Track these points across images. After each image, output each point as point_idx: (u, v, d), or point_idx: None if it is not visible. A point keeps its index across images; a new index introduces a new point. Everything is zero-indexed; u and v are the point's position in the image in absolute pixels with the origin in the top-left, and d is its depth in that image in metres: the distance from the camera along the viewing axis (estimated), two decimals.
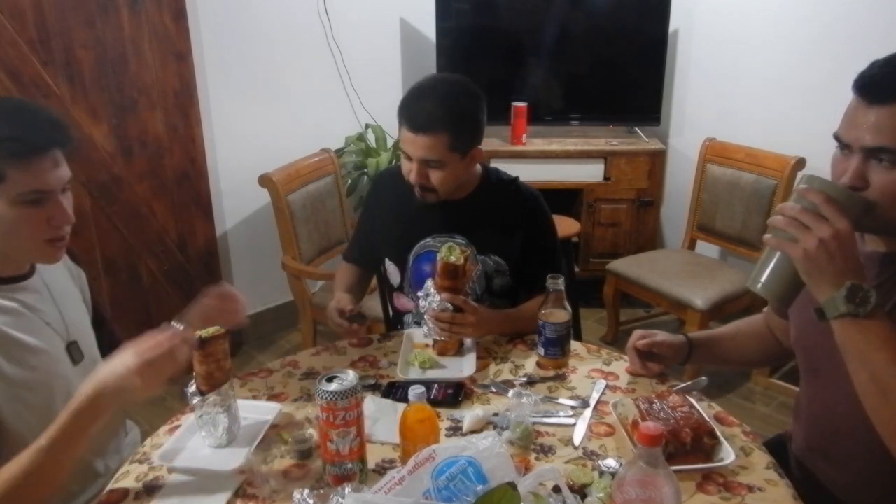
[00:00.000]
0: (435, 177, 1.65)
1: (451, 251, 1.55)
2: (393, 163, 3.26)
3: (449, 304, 1.55)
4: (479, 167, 1.79)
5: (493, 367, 1.57)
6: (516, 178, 1.82)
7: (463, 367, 1.54)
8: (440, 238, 1.74)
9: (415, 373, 1.53)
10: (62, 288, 1.38)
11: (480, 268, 1.75)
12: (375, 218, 1.88)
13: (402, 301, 1.87)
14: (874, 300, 1.00)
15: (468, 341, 1.63)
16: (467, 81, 1.69)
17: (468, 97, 1.66)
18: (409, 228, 1.79)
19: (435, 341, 1.61)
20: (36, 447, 1.08)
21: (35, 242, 1.22)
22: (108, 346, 1.47)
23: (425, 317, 1.59)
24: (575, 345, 1.64)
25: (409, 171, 1.66)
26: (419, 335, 1.67)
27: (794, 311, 1.37)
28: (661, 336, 1.48)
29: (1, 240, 1.21)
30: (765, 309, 1.55)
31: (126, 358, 1.11)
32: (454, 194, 1.74)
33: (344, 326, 1.66)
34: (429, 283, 1.59)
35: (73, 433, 1.09)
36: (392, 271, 1.85)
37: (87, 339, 1.41)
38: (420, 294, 1.61)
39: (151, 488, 1.20)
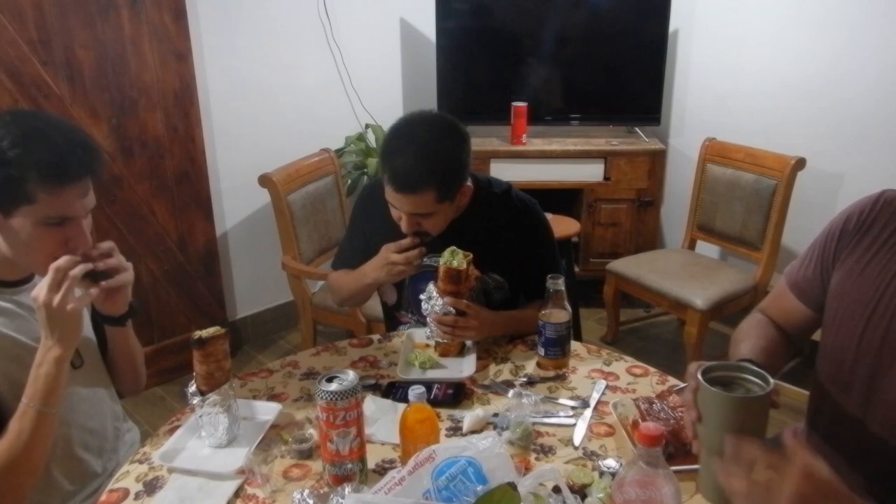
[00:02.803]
0: (428, 224, 1.60)
1: (454, 255, 1.54)
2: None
3: (451, 308, 1.55)
4: (469, 182, 1.69)
5: (493, 368, 1.57)
6: (509, 189, 1.77)
7: (463, 367, 1.54)
8: (436, 258, 1.64)
9: (415, 373, 1.53)
10: None
11: (479, 286, 1.71)
12: (367, 232, 1.81)
13: (399, 315, 1.86)
14: None
15: (469, 342, 1.63)
16: (447, 123, 1.60)
17: (451, 142, 1.57)
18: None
19: (437, 343, 1.61)
20: (20, 412, 1.18)
21: (46, 260, 1.21)
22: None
23: (428, 319, 1.59)
24: (575, 345, 1.64)
25: (399, 218, 1.61)
26: (420, 335, 1.66)
27: (833, 323, 1.27)
28: None
29: (12, 249, 1.22)
30: (760, 306, 1.44)
31: (47, 329, 1.19)
32: None
33: (411, 253, 1.58)
34: (431, 286, 1.59)
35: (46, 386, 1.18)
36: (387, 290, 1.82)
37: (88, 345, 1.41)
38: (422, 297, 1.60)
39: (151, 488, 1.20)
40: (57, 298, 1.16)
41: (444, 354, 1.60)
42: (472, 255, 1.56)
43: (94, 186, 1.24)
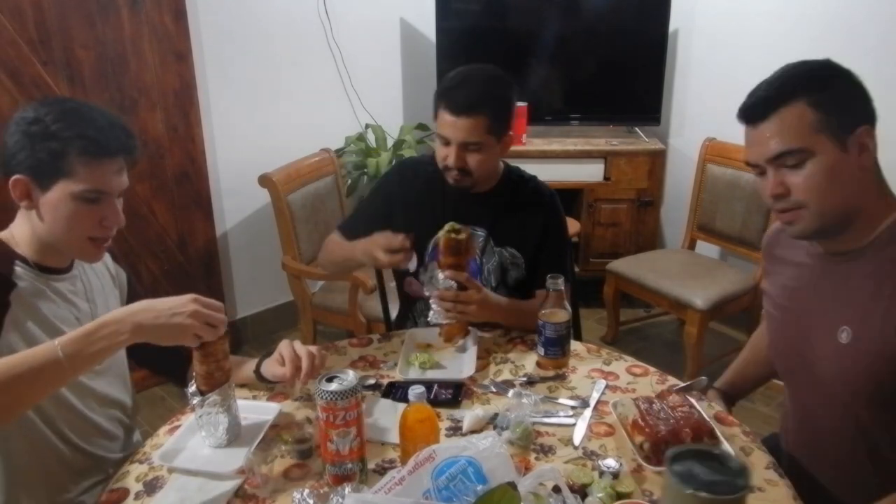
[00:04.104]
0: (473, 160, 1.68)
1: (453, 228, 1.56)
2: (393, 163, 3.26)
3: (453, 283, 1.56)
4: (501, 164, 1.83)
5: (493, 367, 1.57)
6: (535, 177, 1.88)
7: (463, 367, 1.54)
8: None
9: (414, 373, 1.53)
10: (99, 289, 1.42)
11: (497, 259, 1.77)
12: (398, 203, 1.84)
13: (415, 286, 1.86)
14: None
15: (469, 340, 1.63)
16: (500, 69, 1.75)
17: (503, 83, 1.73)
18: (432, 216, 1.77)
19: (441, 327, 1.61)
20: (45, 347, 1.09)
21: (80, 239, 1.27)
22: (161, 353, 1.46)
23: (430, 300, 1.59)
24: (575, 345, 1.64)
25: (446, 156, 1.68)
26: (421, 335, 1.67)
27: (768, 321, 1.43)
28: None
29: (51, 228, 1.25)
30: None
31: (147, 305, 1.16)
32: (479, 186, 1.76)
33: (397, 254, 1.58)
34: (432, 266, 1.60)
35: (80, 350, 1.09)
36: (409, 256, 1.83)
37: None
38: (423, 279, 1.61)
39: (151, 488, 1.20)
40: (202, 311, 1.15)
41: (449, 338, 1.61)
42: (469, 229, 1.59)
43: (127, 171, 1.29)
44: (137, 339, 1.14)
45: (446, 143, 1.68)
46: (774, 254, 1.44)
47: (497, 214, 1.77)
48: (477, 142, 1.66)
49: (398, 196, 1.86)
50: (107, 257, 1.47)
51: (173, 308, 1.15)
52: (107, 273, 1.47)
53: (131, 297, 1.50)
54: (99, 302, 1.40)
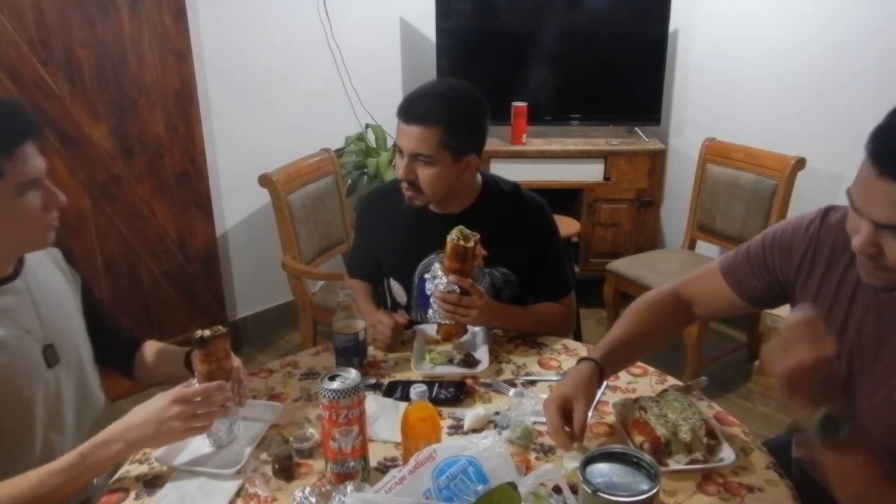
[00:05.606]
0: (423, 175, 1.61)
1: (462, 234, 1.52)
2: (393, 163, 3.26)
3: (456, 287, 1.54)
4: (479, 177, 1.75)
5: (494, 366, 1.57)
6: (517, 186, 1.79)
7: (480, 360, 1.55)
8: (443, 255, 1.66)
9: (429, 367, 1.54)
10: (48, 289, 1.36)
11: (488, 280, 1.73)
12: (374, 237, 1.83)
13: (400, 315, 1.86)
14: (846, 431, 0.99)
15: (480, 335, 1.63)
16: (473, 88, 1.66)
17: (469, 100, 1.63)
18: (411, 247, 1.74)
19: (439, 326, 1.60)
20: (67, 462, 1.16)
21: (32, 231, 1.25)
22: (115, 347, 1.51)
23: (431, 299, 1.57)
24: (575, 345, 1.64)
25: (400, 168, 1.64)
26: (431, 330, 1.66)
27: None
28: (578, 412, 1.21)
29: (2, 231, 1.22)
30: (676, 283, 1.44)
31: (134, 420, 1.20)
32: (454, 207, 1.71)
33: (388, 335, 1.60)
34: (436, 266, 1.58)
35: (106, 458, 1.19)
36: (398, 290, 1.82)
37: (67, 341, 1.37)
38: (427, 276, 1.59)
39: (151, 488, 1.20)
40: (185, 410, 1.20)
41: (446, 338, 1.60)
42: (479, 236, 1.54)
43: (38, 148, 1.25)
44: (134, 451, 1.23)
45: (401, 153, 1.63)
46: (833, 243, 1.23)
47: (481, 235, 1.59)
48: (427, 154, 1.58)
49: (374, 228, 1.83)
50: (59, 256, 1.43)
51: (155, 418, 1.19)
52: (57, 272, 1.41)
53: (87, 302, 1.47)
54: (49, 304, 1.35)
